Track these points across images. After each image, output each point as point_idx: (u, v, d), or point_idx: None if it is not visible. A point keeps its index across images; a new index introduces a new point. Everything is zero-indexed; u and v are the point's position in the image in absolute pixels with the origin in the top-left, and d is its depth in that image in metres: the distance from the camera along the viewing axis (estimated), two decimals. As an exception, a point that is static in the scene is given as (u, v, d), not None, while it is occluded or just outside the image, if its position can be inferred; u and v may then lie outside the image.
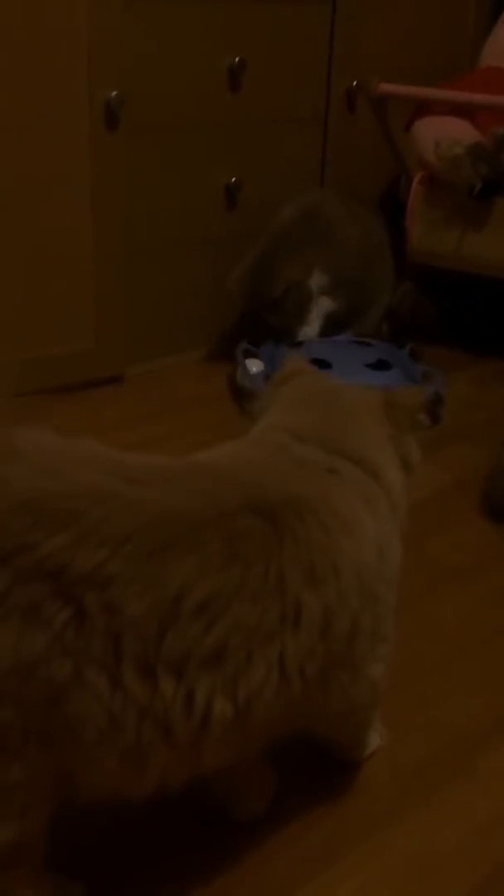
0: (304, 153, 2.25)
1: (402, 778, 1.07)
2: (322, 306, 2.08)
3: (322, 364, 1.92)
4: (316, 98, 2.22)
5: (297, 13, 2.11)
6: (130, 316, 2.03)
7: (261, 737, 0.90)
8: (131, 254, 1.99)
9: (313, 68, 2.19)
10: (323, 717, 0.96)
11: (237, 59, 2.02)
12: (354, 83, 2.25)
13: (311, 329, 2.08)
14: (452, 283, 2.37)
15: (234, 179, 2.10)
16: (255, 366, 2.00)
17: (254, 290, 2.02)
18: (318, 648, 0.84)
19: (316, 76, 2.20)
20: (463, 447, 1.82)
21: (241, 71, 2.04)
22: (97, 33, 1.78)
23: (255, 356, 2.03)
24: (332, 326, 2.11)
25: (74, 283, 1.92)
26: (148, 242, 2.03)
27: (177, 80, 1.96)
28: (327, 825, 1.00)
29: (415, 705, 1.17)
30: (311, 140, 2.25)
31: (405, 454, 1.01)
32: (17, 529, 0.74)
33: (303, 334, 2.07)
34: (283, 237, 2.03)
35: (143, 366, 2.10)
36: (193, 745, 0.80)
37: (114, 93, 1.83)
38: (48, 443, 0.83)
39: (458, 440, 1.85)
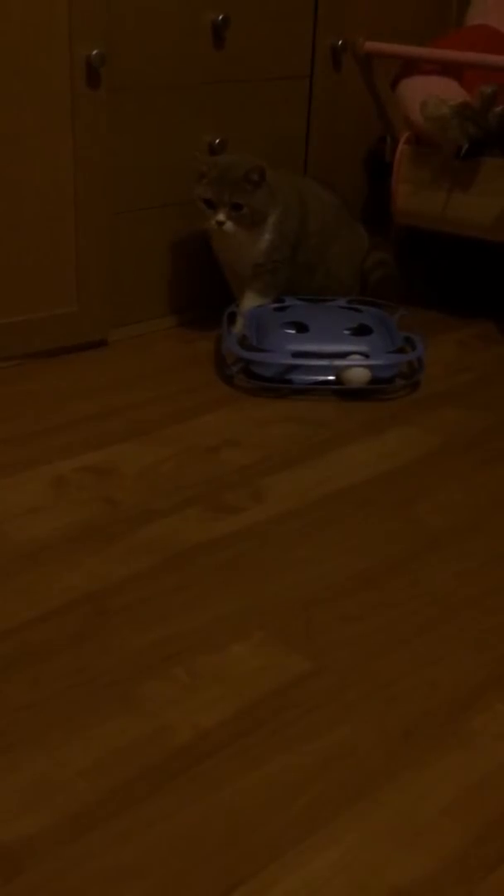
0: (289, 112, 2.22)
1: (390, 741, 1.06)
2: None
3: (299, 327, 1.91)
4: (301, 56, 2.19)
5: (282, -31, 2.08)
6: (114, 279, 2.01)
7: None
8: (114, 215, 1.96)
9: (298, 26, 2.16)
10: None
11: (221, 17, 1.99)
12: (340, 42, 2.22)
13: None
14: (438, 245, 2.36)
15: (217, 140, 2.07)
16: (236, 329, 1.99)
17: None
18: None
19: (301, 34, 2.17)
20: (448, 410, 1.82)
21: (225, 28, 2.00)
22: (78, -12, 1.75)
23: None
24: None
25: (57, 245, 1.90)
26: (131, 204, 2.01)
27: (159, 37, 1.93)
28: (314, 789, 1.00)
29: (403, 668, 1.17)
30: (296, 99, 2.22)
31: None
32: None
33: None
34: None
35: (127, 330, 2.08)
36: None
37: (95, 50, 1.79)
38: None
39: (444, 403, 1.85)
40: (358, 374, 1.84)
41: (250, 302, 2.03)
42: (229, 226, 1.91)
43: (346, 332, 1.91)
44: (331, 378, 1.86)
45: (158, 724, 1.07)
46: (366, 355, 1.85)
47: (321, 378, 1.86)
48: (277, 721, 1.08)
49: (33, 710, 1.08)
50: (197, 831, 0.95)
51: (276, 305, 2.03)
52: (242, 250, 1.98)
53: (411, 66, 2.20)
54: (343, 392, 1.86)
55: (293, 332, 1.91)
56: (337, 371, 1.85)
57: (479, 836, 0.96)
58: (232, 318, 2.02)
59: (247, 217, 1.91)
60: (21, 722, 1.06)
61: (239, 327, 1.99)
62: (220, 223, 1.90)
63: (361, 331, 1.92)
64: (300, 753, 1.04)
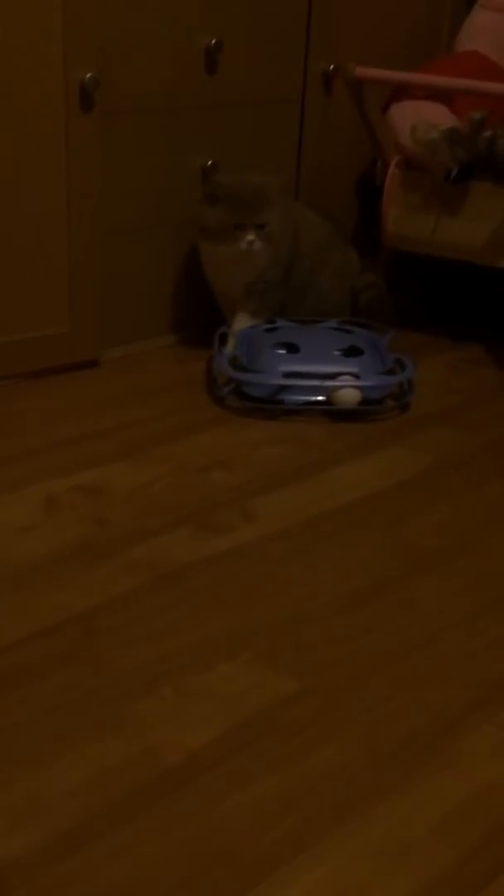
0: (281, 136, 2.24)
1: (378, 761, 1.07)
2: None
3: (290, 347, 1.93)
4: (293, 81, 2.21)
5: (274, -5, 2.10)
6: (106, 299, 2.02)
7: None
8: (106, 236, 1.98)
9: (290, 51, 2.18)
10: None
11: (214, 41, 2.01)
12: (331, 66, 2.24)
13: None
14: (428, 268, 2.37)
15: (210, 162, 2.09)
16: (227, 349, 2.00)
17: None
18: None
19: (293, 59, 2.19)
20: (438, 431, 1.83)
21: (218, 52, 2.02)
22: (72, 13, 1.76)
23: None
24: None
25: (49, 266, 1.91)
26: (123, 225, 2.02)
27: (153, 61, 1.95)
28: (302, 808, 1.00)
29: (392, 688, 1.17)
30: (287, 123, 2.24)
31: None
32: None
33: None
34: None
35: (118, 350, 2.09)
36: None
37: (89, 74, 1.81)
38: None
39: (434, 424, 1.86)
40: (348, 394, 1.85)
41: (242, 323, 2.04)
42: (258, 245, 1.93)
43: (337, 353, 1.92)
44: (321, 399, 1.87)
45: (147, 743, 1.07)
46: (356, 376, 1.86)
47: (312, 399, 1.87)
48: (265, 741, 1.08)
49: (22, 728, 1.08)
50: (185, 851, 0.95)
51: (267, 326, 2.04)
52: (236, 270, 1.99)
53: (402, 92, 2.22)
54: (333, 413, 1.87)
55: (284, 352, 1.92)
56: (328, 392, 1.86)
57: (466, 856, 0.96)
58: (223, 339, 2.03)
59: (266, 234, 1.94)
60: (10, 741, 1.06)
61: (230, 348, 2.00)
62: (251, 243, 1.92)
63: (352, 352, 1.93)
64: (288, 773, 1.04)
